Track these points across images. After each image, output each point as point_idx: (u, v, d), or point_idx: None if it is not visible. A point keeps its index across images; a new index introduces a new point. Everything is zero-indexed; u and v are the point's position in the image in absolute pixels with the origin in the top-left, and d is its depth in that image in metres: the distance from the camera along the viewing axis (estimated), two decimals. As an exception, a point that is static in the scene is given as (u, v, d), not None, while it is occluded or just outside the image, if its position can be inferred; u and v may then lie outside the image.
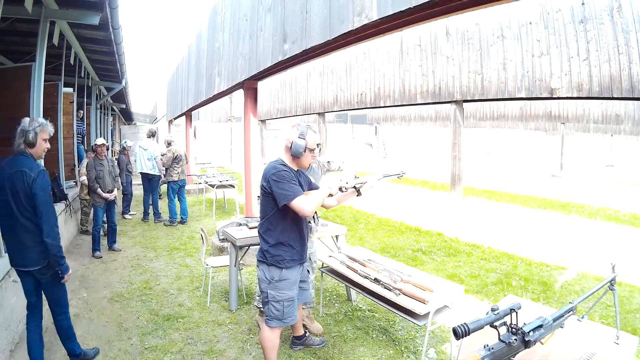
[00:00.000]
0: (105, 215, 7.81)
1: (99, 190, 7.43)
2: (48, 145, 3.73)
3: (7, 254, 3.68)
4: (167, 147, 10.17)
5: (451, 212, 9.84)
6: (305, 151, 3.32)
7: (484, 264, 7.01)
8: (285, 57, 5.17)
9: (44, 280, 3.61)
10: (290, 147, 3.32)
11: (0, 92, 5.93)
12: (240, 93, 7.73)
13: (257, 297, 4.74)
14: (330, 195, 3.31)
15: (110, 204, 7.77)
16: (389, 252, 7.77)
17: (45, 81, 6.49)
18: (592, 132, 21.13)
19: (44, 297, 3.75)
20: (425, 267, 6.84)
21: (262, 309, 4.68)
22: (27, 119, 3.61)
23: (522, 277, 6.31)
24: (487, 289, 5.95)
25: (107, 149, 8.13)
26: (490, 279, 6.30)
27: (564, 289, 5.87)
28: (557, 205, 12.31)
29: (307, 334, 4.36)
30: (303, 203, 3.14)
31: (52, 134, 3.78)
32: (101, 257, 7.48)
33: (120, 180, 8.97)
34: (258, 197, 3.93)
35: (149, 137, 11.03)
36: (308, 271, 4.03)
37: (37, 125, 3.54)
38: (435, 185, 17.31)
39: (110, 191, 7.60)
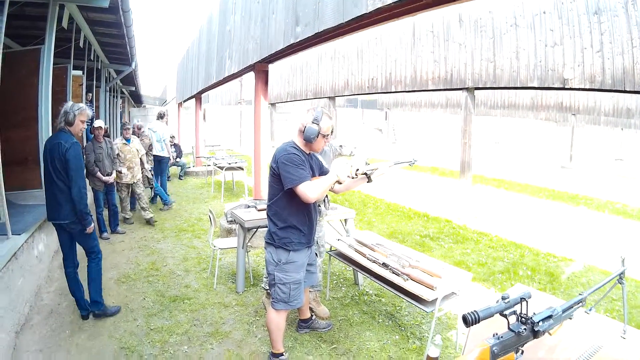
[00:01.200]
0: (105, 198, 7.91)
1: (99, 173, 7.41)
2: (85, 126, 4.56)
3: (14, 235, 4.55)
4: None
5: (460, 199, 9.80)
6: (317, 136, 3.28)
7: (491, 252, 6.98)
8: (297, 40, 5.12)
9: (75, 232, 4.39)
10: (303, 132, 3.28)
11: (10, 76, 5.91)
12: (250, 76, 7.70)
13: (265, 279, 4.75)
14: (339, 182, 3.28)
15: (109, 187, 7.85)
16: (397, 237, 7.76)
17: (54, 64, 6.50)
18: (603, 125, 20.93)
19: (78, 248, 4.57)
20: (433, 254, 6.82)
21: (269, 290, 4.70)
22: (69, 103, 4.37)
23: (529, 267, 6.28)
24: (494, 277, 5.93)
25: (106, 132, 8.03)
26: (497, 268, 6.28)
27: (571, 281, 5.84)
28: (565, 197, 12.22)
29: (314, 317, 4.36)
30: (307, 189, 3.12)
31: (89, 117, 4.63)
32: (109, 238, 7.52)
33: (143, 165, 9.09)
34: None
35: (158, 119, 11.01)
36: (316, 254, 4.03)
37: (76, 109, 4.31)
38: (445, 172, 17.23)
39: (109, 174, 7.62)
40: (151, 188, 10.24)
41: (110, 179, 7.63)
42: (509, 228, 8.48)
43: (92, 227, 4.44)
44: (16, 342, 4.01)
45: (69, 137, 4.24)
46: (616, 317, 4.46)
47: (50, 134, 6.00)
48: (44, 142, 5.85)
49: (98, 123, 7.51)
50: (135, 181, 8.33)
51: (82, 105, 4.40)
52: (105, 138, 7.70)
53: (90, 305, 4.57)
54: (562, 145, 20.70)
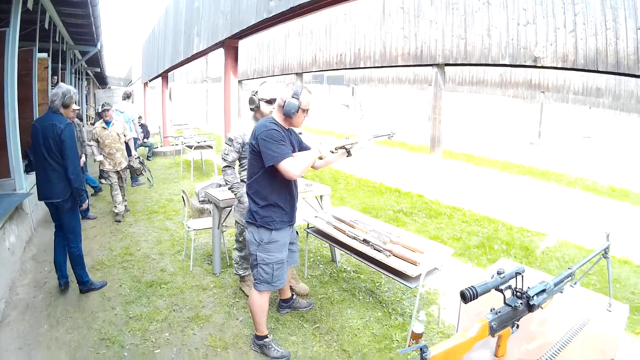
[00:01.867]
0: None
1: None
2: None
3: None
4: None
5: (431, 174, 9.86)
6: (297, 111, 3.20)
7: (465, 227, 7.06)
8: (271, 15, 5.03)
9: (63, 211, 4.55)
10: (283, 106, 3.20)
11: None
12: (216, 53, 7.61)
13: (236, 265, 4.67)
14: (320, 158, 3.23)
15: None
16: (370, 213, 7.79)
17: (19, 47, 6.26)
18: (571, 103, 21.22)
19: None
20: (408, 228, 6.85)
21: (242, 275, 4.65)
22: (64, 85, 4.54)
23: (503, 242, 6.38)
24: (470, 252, 6.00)
25: (78, 116, 8.10)
26: (472, 242, 6.36)
27: (545, 255, 5.94)
28: (535, 173, 12.41)
29: (295, 297, 4.34)
30: (290, 166, 3.05)
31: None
32: (95, 217, 7.66)
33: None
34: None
35: (124, 99, 10.76)
36: (297, 232, 3.99)
37: (73, 93, 4.54)
38: (414, 147, 17.32)
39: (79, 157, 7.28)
40: (149, 173, 9.54)
41: (98, 157, 7.47)
42: (481, 203, 8.58)
43: (87, 203, 4.83)
44: (-7, 341, 3.88)
45: (62, 118, 4.42)
46: (597, 291, 4.56)
47: (17, 119, 6.00)
48: (10, 128, 5.90)
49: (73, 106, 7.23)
50: (120, 169, 7.61)
51: (75, 90, 4.64)
52: (75, 120, 7.56)
53: (79, 283, 4.79)
54: (531, 122, 20.99)
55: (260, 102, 4.21)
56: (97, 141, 7.41)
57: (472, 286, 1.68)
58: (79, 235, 4.78)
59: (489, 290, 1.72)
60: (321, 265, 5.44)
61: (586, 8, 6.55)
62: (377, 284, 4.90)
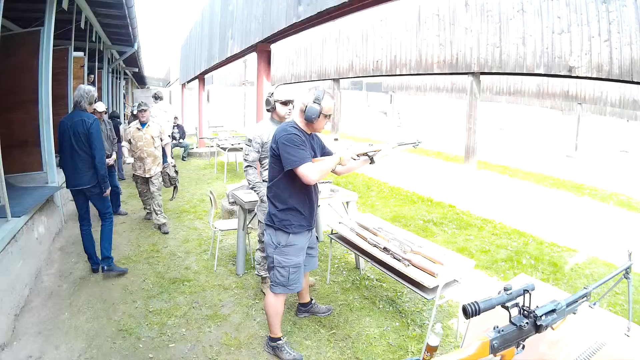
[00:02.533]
0: None
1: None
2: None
3: (14, 218, 4.66)
4: None
5: (464, 184, 9.73)
6: (319, 116, 3.18)
7: (494, 240, 6.92)
8: (300, 20, 5.06)
9: (92, 196, 5.09)
10: (304, 111, 3.20)
11: (9, 58, 5.87)
12: (254, 57, 7.62)
13: (258, 266, 4.71)
14: (341, 164, 3.21)
15: (109, 168, 7.09)
16: (399, 222, 7.71)
17: (54, 46, 6.45)
18: (609, 115, 20.64)
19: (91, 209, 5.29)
20: (436, 239, 6.78)
21: (263, 276, 4.66)
22: (83, 86, 5.02)
23: (532, 256, 6.21)
24: (497, 265, 5.87)
25: (106, 113, 7.99)
26: (500, 255, 6.22)
27: (574, 272, 5.75)
28: (570, 186, 12.07)
29: (313, 301, 4.32)
30: (307, 171, 3.03)
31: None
32: (126, 213, 7.69)
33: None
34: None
35: (157, 100, 10.92)
36: (317, 238, 3.98)
37: (93, 92, 5.05)
38: (449, 157, 17.10)
39: (109, 156, 7.21)
40: (174, 188, 8.13)
41: (110, 160, 7.19)
42: (512, 215, 8.39)
43: (109, 191, 5.17)
44: (15, 325, 3.99)
45: (89, 114, 4.96)
46: (619, 312, 4.40)
47: (50, 116, 6.24)
48: (44, 125, 6.13)
49: (101, 107, 7.29)
50: (149, 176, 6.98)
51: (94, 89, 5.14)
52: (105, 118, 7.56)
53: (102, 261, 5.21)
54: (568, 134, 20.49)
55: (276, 103, 4.25)
56: (130, 142, 6.94)
57: (475, 301, 1.63)
58: (111, 213, 5.38)
59: (493, 307, 1.66)
60: (345, 272, 5.41)
61: (621, 16, 6.39)
62: (398, 294, 4.84)
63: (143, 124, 6.89)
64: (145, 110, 6.82)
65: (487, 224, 7.76)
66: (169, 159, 7.50)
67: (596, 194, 11.06)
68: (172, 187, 7.83)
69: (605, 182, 12.71)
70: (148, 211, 7.50)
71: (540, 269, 5.78)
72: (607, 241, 7.09)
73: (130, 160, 7.03)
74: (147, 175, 6.97)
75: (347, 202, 5.49)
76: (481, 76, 9.50)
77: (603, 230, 7.88)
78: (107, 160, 6.77)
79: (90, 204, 5.25)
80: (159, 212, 7.00)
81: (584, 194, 11.04)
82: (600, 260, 6.19)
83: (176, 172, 7.57)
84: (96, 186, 5.02)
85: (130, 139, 6.91)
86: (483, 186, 10.81)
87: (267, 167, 3.96)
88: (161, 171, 7.17)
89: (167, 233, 6.87)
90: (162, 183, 7.26)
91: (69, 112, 7.61)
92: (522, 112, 23.96)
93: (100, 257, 5.24)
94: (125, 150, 7.02)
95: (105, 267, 5.18)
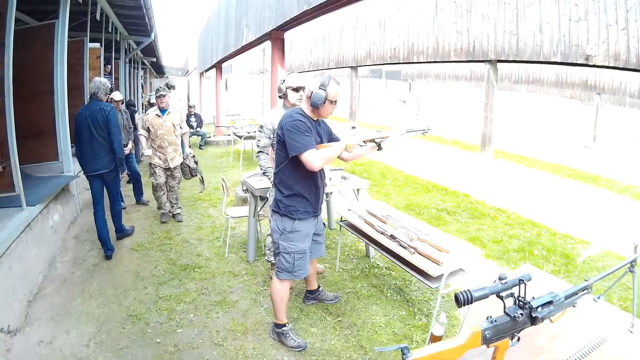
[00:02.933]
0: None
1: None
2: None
3: (29, 207, 4.76)
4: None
5: (480, 173, 9.65)
6: (325, 102, 3.18)
7: (507, 230, 6.85)
8: (311, 7, 5.04)
9: (108, 179, 5.48)
10: (310, 97, 3.20)
11: (25, 51, 5.93)
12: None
13: (268, 252, 4.76)
14: (347, 150, 3.20)
15: (127, 156, 7.09)
16: (413, 210, 7.69)
17: (70, 38, 6.55)
18: (628, 106, 20.29)
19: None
20: (448, 228, 6.74)
21: (273, 262, 4.68)
22: (103, 79, 5.43)
23: (544, 247, 6.13)
24: (509, 255, 5.81)
25: (123, 103, 7.91)
26: (512, 246, 6.16)
27: (586, 265, 5.66)
28: (586, 177, 11.88)
29: (321, 288, 4.33)
30: (311, 157, 3.03)
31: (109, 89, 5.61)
32: (125, 207, 7.34)
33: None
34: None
35: (170, 89, 10.98)
36: (324, 224, 3.98)
37: (109, 85, 5.49)
38: (466, 146, 16.95)
39: (125, 145, 6.95)
40: (201, 180, 7.67)
41: (126, 150, 6.94)
42: (527, 205, 8.28)
43: (125, 173, 6.19)
44: (28, 311, 4.07)
45: (106, 104, 5.34)
46: (629, 308, 4.33)
47: (66, 106, 6.38)
48: (59, 115, 6.30)
49: (118, 96, 7.30)
50: (173, 166, 6.67)
51: (106, 81, 5.49)
52: (122, 108, 7.53)
53: (116, 232, 5.92)
54: (586, 125, 20.17)
55: (288, 90, 4.28)
56: (149, 130, 6.54)
57: (467, 290, 1.61)
58: (121, 195, 6.21)
59: (487, 296, 1.64)
60: (354, 260, 5.41)
61: (638, 4, 6.24)
62: (407, 282, 4.82)
63: (163, 110, 6.51)
64: (164, 96, 6.46)
65: (500, 213, 7.69)
66: (187, 149, 7.01)
67: (613, 186, 10.87)
68: (196, 179, 7.44)
69: (622, 174, 12.50)
70: (163, 211, 6.89)
71: (552, 260, 5.71)
72: (622, 234, 6.97)
73: (148, 152, 6.59)
74: (170, 166, 6.61)
75: (358, 190, 5.47)
76: (498, 64, 9.39)
77: (618, 223, 7.75)
78: (124, 149, 6.68)
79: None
80: (175, 204, 6.97)
81: (601, 186, 10.87)
82: (613, 253, 6.08)
83: (196, 162, 7.10)
84: (113, 170, 5.45)
85: (149, 127, 6.51)
86: (499, 176, 10.70)
87: None
88: (181, 163, 6.87)
89: (181, 222, 6.82)
90: (183, 176, 7.02)
91: (85, 102, 7.78)
92: (541, 102, 23.65)
93: (115, 229, 5.90)
94: (143, 140, 6.62)
95: (119, 235, 5.97)
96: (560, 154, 15.79)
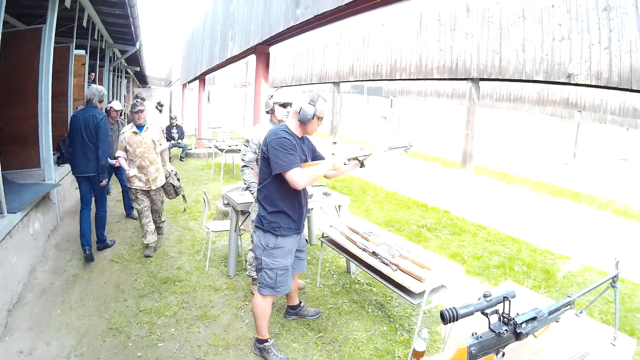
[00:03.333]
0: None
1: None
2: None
3: (10, 214, 4.73)
4: None
5: (460, 190, 9.73)
6: (313, 118, 3.20)
7: (488, 246, 6.91)
8: (297, 22, 5.08)
9: (96, 182, 5.65)
10: (299, 112, 3.21)
11: (10, 55, 5.88)
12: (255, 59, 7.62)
13: (249, 267, 4.73)
14: (334, 170, 3.22)
15: (118, 168, 6.58)
16: (393, 226, 7.71)
17: (56, 44, 6.47)
18: (609, 123, 20.67)
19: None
20: (429, 244, 6.77)
21: (254, 277, 4.66)
22: (95, 86, 5.72)
23: (525, 263, 6.19)
24: (489, 271, 5.86)
25: (121, 114, 7.73)
26: (493, 262, 6.21)
27: (567, 280, 5.74)
28: (567, 194, 12.05)
29: (302, 304, 4.32)
30: (295, 176, 3.04)
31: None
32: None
33: None
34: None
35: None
36: (307, 241, 3.98)
37: (104, 92, 5.80)
38: (447, 162, 17.07)
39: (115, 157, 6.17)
40: (183, 197, 7.37)
41: (116, 162, 6.17)
42: (507, 222, 8.38)
43: (105, 182, 5.75)
44: (8, 320, 4.01)
45: (99, 111, 5.62)
46: (611, 321, 4.39)
47: (49, 113, 6.32)
48: (43, 122, 6.23)
49: (117, 106, 7.26)
50: (155, 187, 6.01)
51: (103, 89, 5.82)
52: (120, 119, 7.42)
53: (97, 242, 5.96)
54: (567, 142, 20.50)
55: (275, 105, 4.28)
56: (126, 150, 5.82)
57: (453, 307, 1.63)
58: (105, 201, 6.02)
59: (472, 314, 1.65)
60: (335, 275, 5.40)
61: (621, 24, 6.40)
62: (388, 298, 4.83)
63: (140, 127, 5.83)
64: (142, 111, 5.78)
65: (481, 230, 7.75)
66: (168, 166, 6.44)
67: (593, 202, 11.04)
68: (177, 197, 6.81)
69: (602, 190, 12.70)
70: (148, 244, 5.95)
71: (532, 276, 5.78)
72: (603, 249, 7.08)
73: (134, 171, 5.76)
74: (152, 187, 5.94)
75: (339, 206, 5.48)
76: (481, 82, 9.52)
77: (599, 239, 7.87)
78: (112, 161, 6.39)
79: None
80: (157, 220, 6.43)
81: (581, 202, 11.03)
82: (594, 268, 6.18)
83: (178, 179, 6.58)
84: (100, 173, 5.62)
85: (126, 146, 5.80)
86: (479, 192, 10.80)
87: None
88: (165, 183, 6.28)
89: (162, 234, 6.61)
90: (167, 196, 6.47)
91: (69, 109, 7.74)
92: (522, 119, 23.97)
93: (97, 239, 5.96)
94: (123, 162, 5.81)
95: (100, 246, 5.97)
96: (540, 170, 15.99)
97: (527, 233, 7.66)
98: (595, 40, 6.80)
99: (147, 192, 5.98)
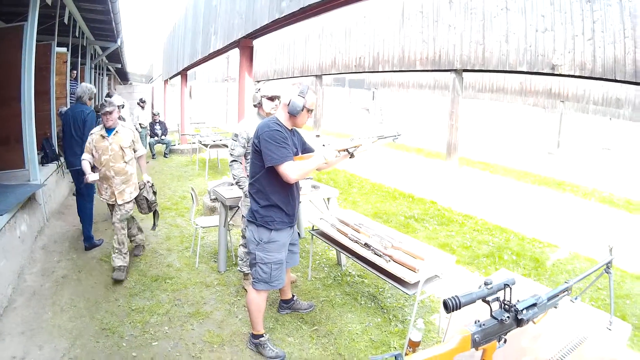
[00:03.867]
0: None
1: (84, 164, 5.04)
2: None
3: None
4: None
5: (446, 180, 9.79)
6: (303, 110, 3.19)
7: (476, 235, 6.97)
8: (283, 15, 5.06)
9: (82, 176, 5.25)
10: (288, 104, 3.20)
11: (-9, 53, 5.81)
12: (237, 53, 7.57)
13: (240, 262, 4.71)
14: (327, 164, 3.22)
15: None
16: (381, 218, 7.74)
17: (38, 41, 6.34)
18: (591, 113, 20.90)
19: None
20: (417, 235, 6.81)
21: (245, 272, 4.64)
22: (85, 84, 6.19)
23: (514, 252, 6.27)
24: (479, 260, 5.91)
25: (123, 107, 7.58)
26: (482, 251, 6.27)
27: (556, 267, 5.82)
28: (551, 183, 12.19)
29: (295, 297, 4.31)
30: (288, 169, 3.04)
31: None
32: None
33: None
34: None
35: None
36: (299, 234, 3.98)
37: (94, 90, 6.19)
38: (431, 153, 17.18)
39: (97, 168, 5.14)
40: (154, 214, 5.96)
41: (89, 176, 4.87)
42: (494, 211, 8.46)
43: (88, 178, 4.86)
44: (-1, 325, 3.94)
45: (87, 107, 6.05)
46: (601, 307, 4.46)
47: (33, 112, 6.21)
48: (26, 121, 6.12)
49: (119, 100, 7.32)
50: (120, 202, 5.07)
51: (92, 87, 6.23)
52: (121, 116, 6.65)
53: (84, 241, 5.96)
54: (550, 132, 20.70)
55: (263, 98, 4.26)
56: (92, 155, 5.05)
57: (455, 296, 1.63)
58: (93, 197, 6.08)
59: (474, 301, 1.66)
60: (326, 268, 5.41)
61: (605, 15, 6.46)
62: (380, 290, 4.85)
63: (109, 130, 5.04)
64: (110, 113, 4.94)
65: (468, 220, 7.82)
66: (145, 176, 5.51)
67: (578, 191, 11.19)
68: (151, 214, 5.92)
69: (587, 179, 12.87)
70: (116, 267, 4.95)
71: (521, 264, 5.85)
72: (589, 237, 7.18)
73: (94, 176, 4.88)
74: (118, 201, 5.06)
75: (328, 198, 5.48)
76: (464, 73, 9.55)
77: (585, 227, 7.98)
78: (88, 176, 4.99)
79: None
80: (117, 251, 5.00)
81: (566, 191, 11.16)
82: (581, 256, 6.27)
83: (154, 193, 5.66)
84: None
85: (91, 150, 5.04)
86: (465, 183, 10.88)
87: None
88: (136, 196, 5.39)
89: (121, 281, 4.92)
90: (130, 212, 5.23)
91: (52, 107, 7.72)
92: (505, 110, 24.15)
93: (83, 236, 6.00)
94: (85, 166, 4.95)
95: (87, 245, 5.92)
96: (524, 160, 16.15)
97: (514, 222, 7.74)
98: (579, 31, 6.85)
99: (111, 207, 5.21)
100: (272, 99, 4.25)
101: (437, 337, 3.91)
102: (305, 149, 3.50)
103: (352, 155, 3.30)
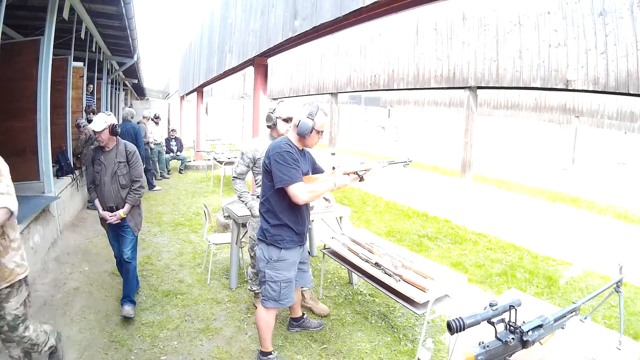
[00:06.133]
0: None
1: (96, 201, 4.47)
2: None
3: None
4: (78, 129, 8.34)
5: (460, 198, 9.72)
6: (311, 132, 3.21)
7: (489, 254, 6.91)
8: (296, 34, 5.11)
9: None
10: (297, 126, 3.21)
11: (9, 66, 5.88)
12: (252, 71, 7.65)
13: (249, 280, 4.69)
14: (337, 188, 3.24)
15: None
16: (394, 236, 7.70)
17: (54, 55, 6.47)
18: (606, 128, 20.73)
19: None
20: (430, 254, 6.76)
21: (256, 291, 4.64)
22: (130, 108, 6.97)
23: (527, 270, 6.20)
24: (492, 279, 5.86)
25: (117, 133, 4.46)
26: (495, 270, 6.21)
27: (569, 285, 5.75)
28: (566, 199, 12.09)
29: (305, 316, 4.30)
30: (298, 191, 3.06)
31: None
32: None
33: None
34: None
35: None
36: (309, 253, 3.98)
37: (134, 112, 6.89)
38: (446, 171, 17.12)
39: (112, 208, 4.41)
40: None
41: (108, 215, 4.36)
42: (508, 229, 8.38)
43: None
44: (9, 334, 3.98)
45: (135, 124, 7.13)
46: (614, 325, 4.38)
47: (49, 125, 6.27)
48: (42, 134, 6.17)
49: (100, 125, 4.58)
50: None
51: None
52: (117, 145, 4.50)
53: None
54: (565, 148, 20.56)
55: (278, 120, 4.21)
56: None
57: (459, 317, 1.63)
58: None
59: (479, 323, 1.66)
60: (337, 287, 5.39)
61: (617, 28, 6.42)
62: (391, 309, 4.82)
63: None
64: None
65: (482, 238, 7.75)
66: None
67: (593, 207, 11.07)
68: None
69: (602, 194, 12.73)
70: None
71: (534, 283, 5.78)
72: (604, 254, 7.09)
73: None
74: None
75: (341, 217, 5.48)
76: (478, 90, 9.54)
77: (600, 243, 7.89)
78: (105, 213, 4.41)
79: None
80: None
81: (581, 207, 11.04)
82: (596, 273, 6.19)
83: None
84: None
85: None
86: (479, 200, 10.80)
87: (260, 184, 3.96)
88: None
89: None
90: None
91: (67, 121, 7.99)
92: (520, 126, 24.05)
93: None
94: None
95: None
96: (539, 177, 16.03)
97: (528, 240, 7.66)
98: (591, 45, 6.82)
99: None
100: (287, 120, 4.20)
101: (446, 357, 3.86)
102: (315, 169, 3.52)
103: (361, 179, 3.32)
